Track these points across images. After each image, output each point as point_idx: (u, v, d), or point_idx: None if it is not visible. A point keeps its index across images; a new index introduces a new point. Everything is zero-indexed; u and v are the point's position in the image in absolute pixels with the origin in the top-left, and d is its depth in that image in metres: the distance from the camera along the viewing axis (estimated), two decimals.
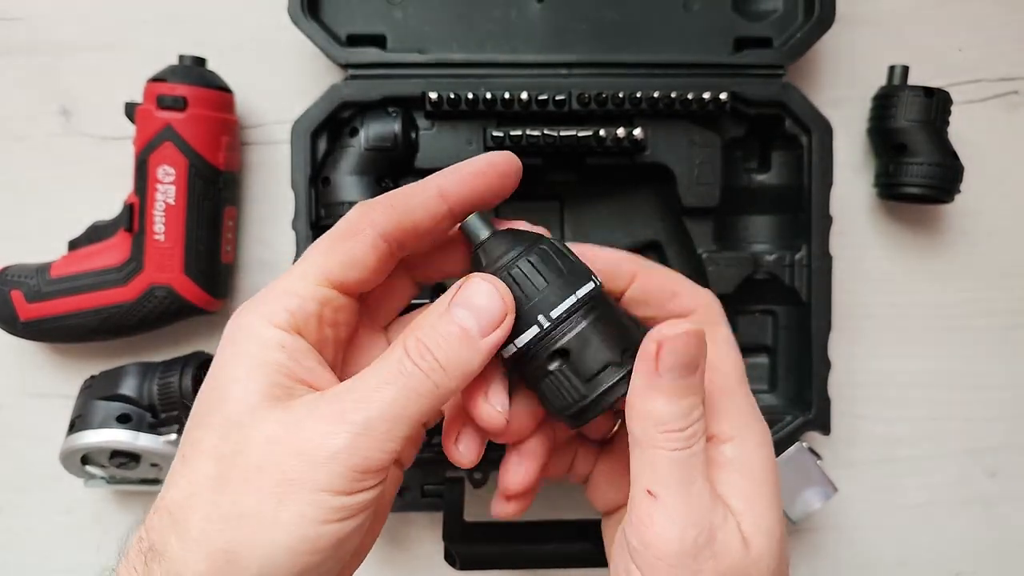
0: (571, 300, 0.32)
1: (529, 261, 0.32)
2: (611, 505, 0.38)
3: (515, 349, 0.32)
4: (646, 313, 0.36)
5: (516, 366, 0.33)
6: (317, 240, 0.33)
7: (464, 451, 0.34)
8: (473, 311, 0.30)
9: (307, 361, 0.31)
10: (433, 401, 0.30)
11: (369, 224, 0.32)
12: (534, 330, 0.32)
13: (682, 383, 0.31)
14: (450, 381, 0.30)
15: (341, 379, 0.32)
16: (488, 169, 0.34)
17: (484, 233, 0.33)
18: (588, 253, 0.35)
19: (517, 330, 0.32)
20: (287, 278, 0.32)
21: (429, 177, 0.34)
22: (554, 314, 0.32)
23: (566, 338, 0.32)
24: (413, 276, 0.37)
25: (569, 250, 0.34)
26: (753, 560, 0.31)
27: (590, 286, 0.32)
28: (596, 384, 0.32)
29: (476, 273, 0.32)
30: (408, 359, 0.30)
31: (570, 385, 0.32)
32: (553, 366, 0.32)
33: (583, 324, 0.32)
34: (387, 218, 0.32)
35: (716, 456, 0.33)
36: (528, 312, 0.32)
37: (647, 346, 0.31)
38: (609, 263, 0.36)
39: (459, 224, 0.34)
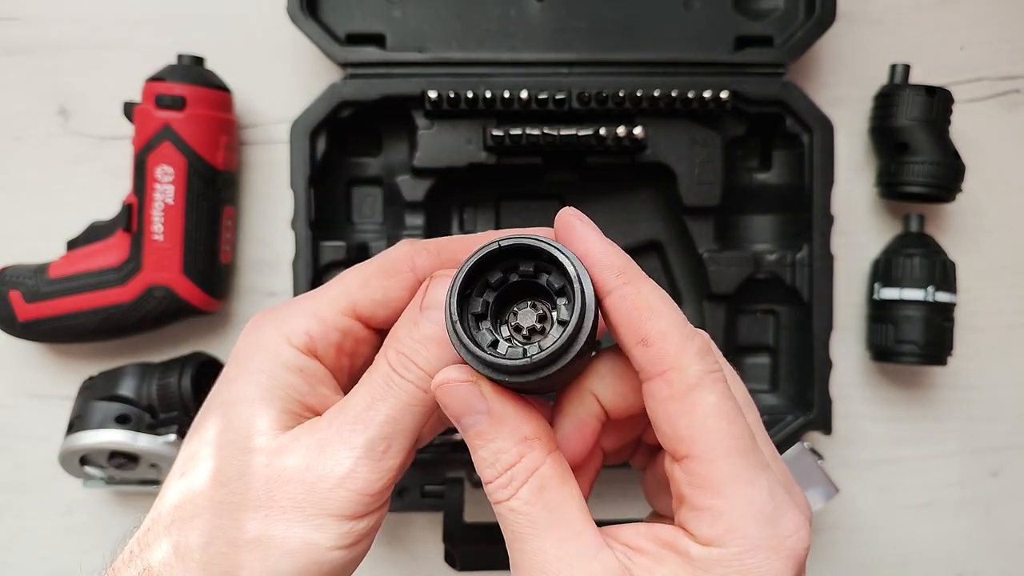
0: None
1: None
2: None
3: None
4: (619, 341, 0.29)
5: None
6: (355, 267, 0.33)
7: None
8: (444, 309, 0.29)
9: (321, 388, 0.31)
10: (426, 408, 0.30)
11: (410, 268, 0.32)
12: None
13: (472, 432, 0.28)
14: None
15: None
16: None
17: None
18: (580, 244, 0.28)
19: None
20: (315, 299, 0.32)
21: (483, 234, 0.32)
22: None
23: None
24: None
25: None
26: None
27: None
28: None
29: (437, 272, 0.31)
30: (394, 373, 0.29)
31: None
32: None
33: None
34: (431, 266, 0.32)
35: (685, 551, 0.27)
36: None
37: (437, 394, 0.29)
38: (595, 264, 0.28)
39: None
